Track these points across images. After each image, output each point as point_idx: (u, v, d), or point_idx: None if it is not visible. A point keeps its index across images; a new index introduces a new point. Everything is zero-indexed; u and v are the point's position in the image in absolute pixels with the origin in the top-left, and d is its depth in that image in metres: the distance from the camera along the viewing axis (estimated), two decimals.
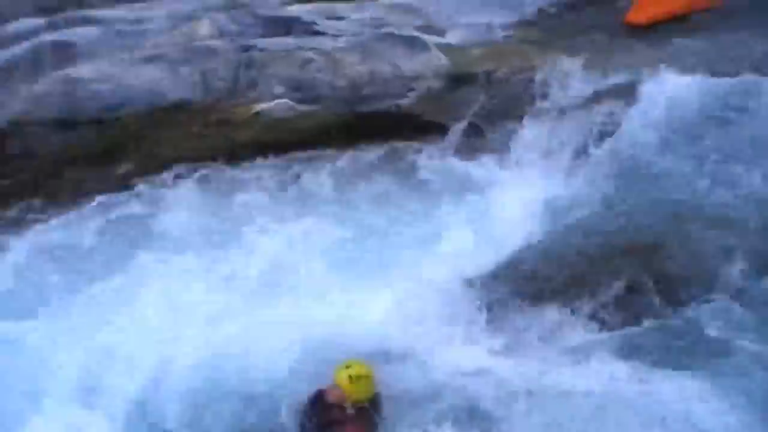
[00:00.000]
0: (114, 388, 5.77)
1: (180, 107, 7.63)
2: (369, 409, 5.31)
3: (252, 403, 5.62)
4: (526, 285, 6.23)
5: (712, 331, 5.69)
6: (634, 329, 5.88)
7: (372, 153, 7.69)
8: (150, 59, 7.80)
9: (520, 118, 7.55)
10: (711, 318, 5.78)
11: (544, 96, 7.63)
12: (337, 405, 5.30)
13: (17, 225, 7.32)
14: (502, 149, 7.50)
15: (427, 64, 7.85)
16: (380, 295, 6.18)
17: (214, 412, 5.60)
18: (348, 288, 6.30)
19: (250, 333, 5.95)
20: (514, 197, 7.04)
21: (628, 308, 5.97)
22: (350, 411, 5.29)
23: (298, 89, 7.72)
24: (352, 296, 6.21)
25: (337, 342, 5.78)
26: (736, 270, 6.00)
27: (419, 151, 7.66)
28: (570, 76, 7.66)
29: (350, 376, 5.26)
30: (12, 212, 7.41)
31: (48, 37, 8.00)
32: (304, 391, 5.53)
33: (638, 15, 8.27)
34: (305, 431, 5.33)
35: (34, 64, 7.82)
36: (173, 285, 6.43)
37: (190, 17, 8.17)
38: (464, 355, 5.83)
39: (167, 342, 5.94)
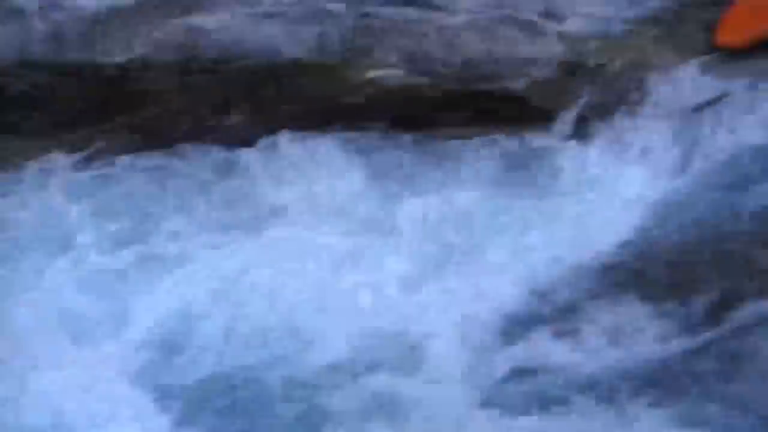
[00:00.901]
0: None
1: (294, 66, 7.74)
2: None
3: None
4: (612, 284, 6.21)
5: None
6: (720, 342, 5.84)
7: (475, 134, 7.64)
8: (269, 15, 7.90)
9: (630, 114, 7.50)
10: None
11: (657, 95, 7.56)
12: None
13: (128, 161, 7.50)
14: (607, 144, 7.46)
15: (542, 51, 7.83)
16: (461, 287, 6.24)
17: None
18: (427, 278, 6.35)
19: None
20: (613, 194, 7.01)
21: (718, 319, 5.94)
22: None
23: (412, 62, 7.77)
24: (433, 286, 6.28)
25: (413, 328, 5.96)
26: None
27: (523, 137, 7.63)
28: (686, 77, 7.58)
29: None
30: (119, 150, 7.61)
31: None
32: None
33: (732, 36, 7.65)
34: None
35: (158, 9, 7.98)
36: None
37: None
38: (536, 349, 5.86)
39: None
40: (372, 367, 5.70)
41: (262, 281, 6.26)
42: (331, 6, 8.00)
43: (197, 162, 7.26)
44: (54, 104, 7.68)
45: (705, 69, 7.61)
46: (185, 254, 6.50)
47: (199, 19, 7.87)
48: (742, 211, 6.55)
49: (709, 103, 7.40)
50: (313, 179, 7.17)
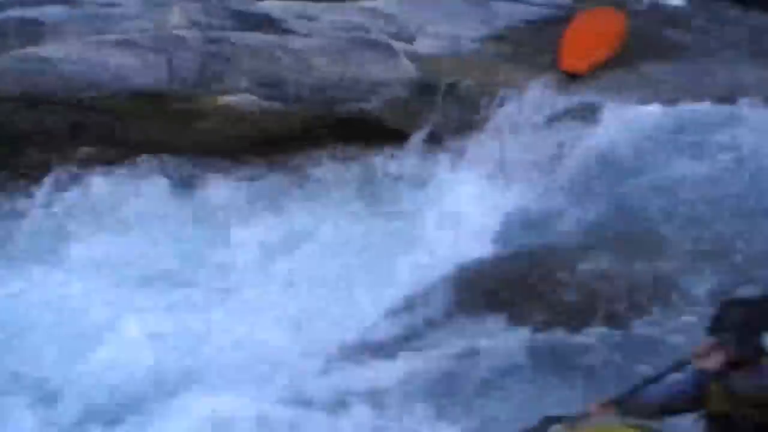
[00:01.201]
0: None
1: (145, 94, 7.63)
2: None
3: None
4: (473, 293, 6.29)
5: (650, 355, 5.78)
6: (578, 345, 5.96)
7: (331, 155, 7.71)
8: (118, 44, 7.79)
9: (481, 130, 7.64)
10: (653, 342, 5.90)
11: (506, 111, 7.72)
12: None
13: None
14: (459, 160, 7.59)
15: (394, 71, 7.92)
16: (321, 307, 6.26)
17: None
18: (288, 301, 6.32)
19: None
20: (467, 208, 7.10)
21: (575, 324, 6.07)
22: None
23: (265, 85, 7.75)
24: (294, 309, 6.23)
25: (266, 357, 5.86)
26: (680, 299, 6.12)
27: (377, 156, 7.69)
28: (533, 93, 7.76)
29: None
30: None
31: (15, 13, 7.96)
32: None
33: (574, 62, 7.91)
34: None
35: (1, 38, 7.77)
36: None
37: (162, 5, 8.15)
38: (402, 364, 5.86)
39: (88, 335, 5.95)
40: None
41: (29, 327, 6.05)
42: (181, 32, 7.93)
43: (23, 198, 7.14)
44: None
45: (551, 85, 7.81)
46: None
47: (44, 49, 7.69)
48: (589, 223, 6.72)
49: (556, 119, 7.59)
50: (146, 210, 7.11)
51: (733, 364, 3.60)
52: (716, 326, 3.63)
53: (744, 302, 3.78)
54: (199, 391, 5.47)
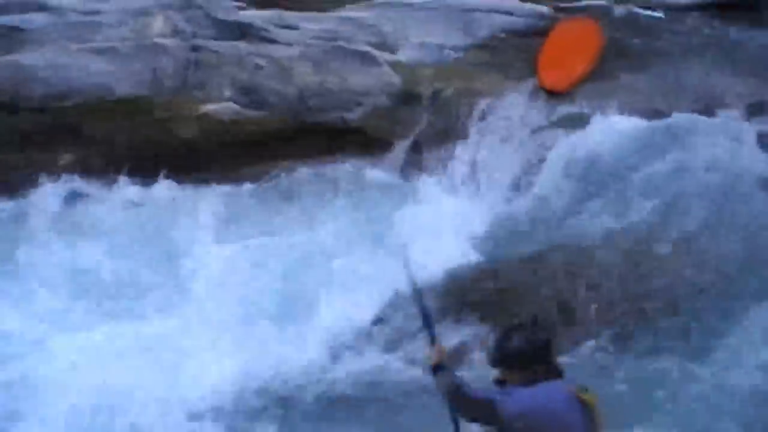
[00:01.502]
0: None
1: (127, 102, 7.66)
2: None
3: None
4: (451, 302, 6.34)
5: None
6: None
7: (312, 164, 7.73)
8: (100, 51, 7.81)
9: (463, 139, 7.68)
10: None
11: (488, 120, 7.76)
12: None
13: None
14: (442, 169, 7.63)
15: (376, 80, 7.95)
16: (308, 315, 6.30)
17: None
18: (274, 311, 6.38)
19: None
20: (449, 216, 7.14)
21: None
22: None
23: (246, 94, 7.79)
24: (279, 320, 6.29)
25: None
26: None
27: (360, 165, 7.72)
28: (514, 102, 7.81)
29: None
30: None
31: None
32: None
33: (555, 80, 7.86)
34: None
35: None
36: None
37: (144, 13, 8.15)
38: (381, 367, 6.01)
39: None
40: None
41: None
42: (162, 40, 7.93)
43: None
44: None
45: (532, 95, 7.85)
46: None
47: (25, 56, 7.70)
48: (568, 233, 6.77)
49: (536, 129, 7.64)
50: (120, 216, 7.16)
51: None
52: (497, 352, 4.01)
53: (521, 329, 4.06)
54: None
